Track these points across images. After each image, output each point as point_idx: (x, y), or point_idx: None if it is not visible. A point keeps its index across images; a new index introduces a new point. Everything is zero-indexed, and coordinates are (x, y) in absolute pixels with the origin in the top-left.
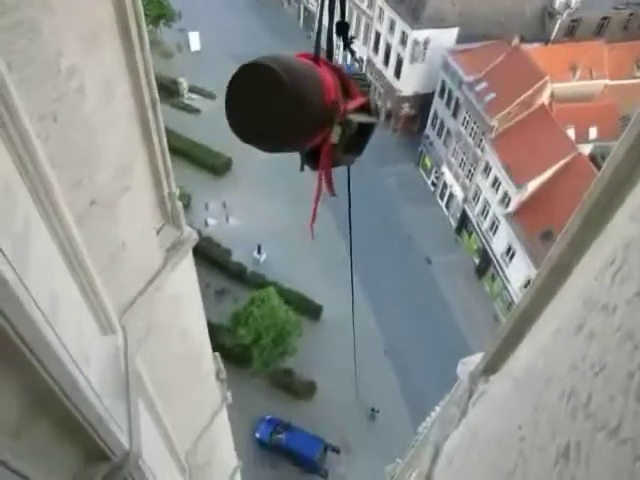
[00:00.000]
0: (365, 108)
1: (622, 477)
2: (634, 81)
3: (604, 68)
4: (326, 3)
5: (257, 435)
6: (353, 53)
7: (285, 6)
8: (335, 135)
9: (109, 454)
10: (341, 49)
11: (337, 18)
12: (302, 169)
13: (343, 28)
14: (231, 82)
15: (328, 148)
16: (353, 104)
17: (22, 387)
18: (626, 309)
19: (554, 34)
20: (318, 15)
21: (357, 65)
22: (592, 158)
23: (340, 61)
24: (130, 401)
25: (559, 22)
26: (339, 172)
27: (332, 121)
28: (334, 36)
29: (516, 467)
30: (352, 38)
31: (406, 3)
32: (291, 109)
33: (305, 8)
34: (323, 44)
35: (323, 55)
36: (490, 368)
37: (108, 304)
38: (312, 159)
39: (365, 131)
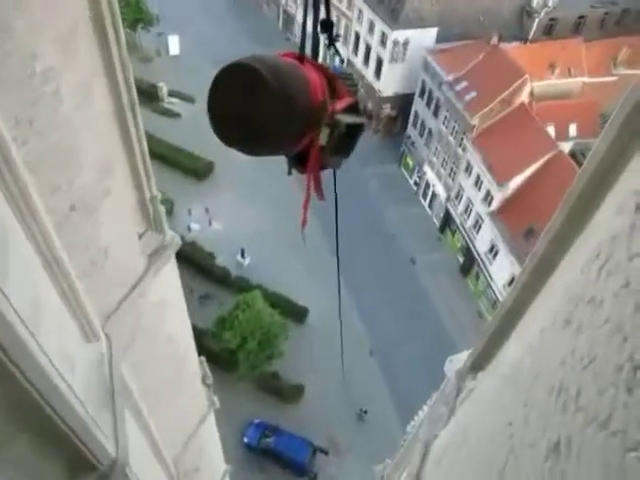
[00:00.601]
0: (353, 108)
1: (613, 469)
2: (612, 78)
3: (582, 66)
4: (310, 1)
5: (245, 439)
6: (338, 52)
7: (264, 9)
8: (323, 137)
9: (95, 463)
10: (326, 48)
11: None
12: (290, 173)
13: (328, 26)
14: (213, 84)
15: (316, 150)
16: (341, 104)
17: (2, 396)
18: (614, 302)
19: (532, 33)
20: (302, 13)
21: (343, 64)
22: (572, 155)
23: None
24: (116, 408)
25: (537, 21)
26: (323, 174)
27: (320, 122)
28: (320, 34)
29: (507, 464)
30: (337, 36)
31: (385, 4)
32: (277, 111)
33: (284, 11)
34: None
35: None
36: (478, 365)
37: (91, 311)
38: (299, 162)
39: (353, 132)
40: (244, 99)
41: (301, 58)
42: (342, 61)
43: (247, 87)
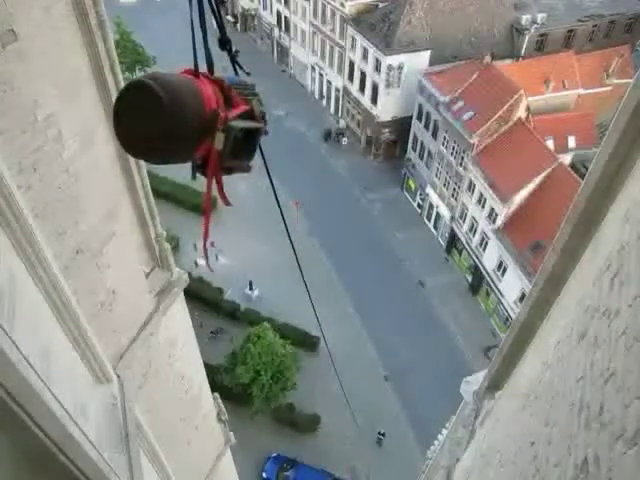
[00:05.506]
0: (249, 115)
1: None
2: (606, 89)
3: (576, 78)
4: (208, 19)
5: (264, 474)
6: (240, 66)
7: (258, 43)
8: (218, 142)
9: None
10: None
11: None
12: (194, 177)
13: (224, 44)
14: (116, 101)
15: (214, 154)
16: (235, 111)
17: (16, 446)
18: (629, 312)
19: (524, 49)
20: (199, 33)
21: (247, 76)
22: (573, 167)
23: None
24: (131, 451)
25: (527, 37)
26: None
27: (213, 129)
28: (233, 51)
29: None
30: (237, 52)
31: (377, 30)
32: (170, 121)
33: (278, 44)
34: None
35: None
36: (494, 385)
37: (101, 353)
38: (204, 168)
39: (250, 136)
40: (141, 113)
41: (196, 73)
42: (248, 73)
43: (143, 102)
